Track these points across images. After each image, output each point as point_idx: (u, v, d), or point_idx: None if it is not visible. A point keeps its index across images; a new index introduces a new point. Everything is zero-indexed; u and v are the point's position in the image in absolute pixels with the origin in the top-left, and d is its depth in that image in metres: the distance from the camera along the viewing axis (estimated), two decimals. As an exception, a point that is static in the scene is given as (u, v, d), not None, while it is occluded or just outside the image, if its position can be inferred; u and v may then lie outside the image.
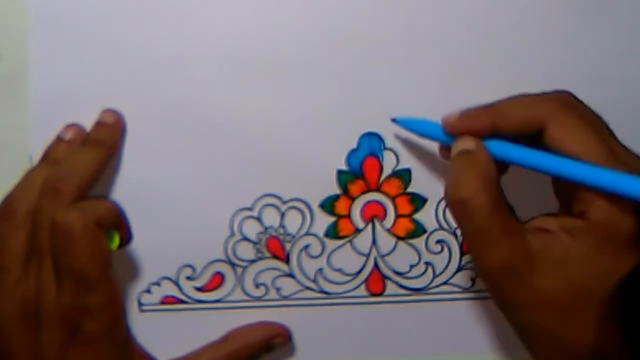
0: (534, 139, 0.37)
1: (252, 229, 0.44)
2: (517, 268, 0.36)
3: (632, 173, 0.34)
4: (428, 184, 0.44)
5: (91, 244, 0.38)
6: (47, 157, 0.42)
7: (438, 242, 0.44)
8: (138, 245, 0.43)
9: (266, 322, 0.44)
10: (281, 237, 0.44)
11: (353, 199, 0.44)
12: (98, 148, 0.41)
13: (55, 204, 0.39)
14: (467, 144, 0.38)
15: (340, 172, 0.43)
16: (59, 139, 0.42)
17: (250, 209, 0.43)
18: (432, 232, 0.44)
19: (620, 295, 0.35)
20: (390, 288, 0.44)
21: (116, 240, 0.41)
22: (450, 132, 0.39)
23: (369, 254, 0.44)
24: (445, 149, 0.40)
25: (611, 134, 0.38)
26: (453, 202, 0.37)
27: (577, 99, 0.38)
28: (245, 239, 0.44)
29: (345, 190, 0.44)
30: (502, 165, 0.39)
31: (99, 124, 0.42)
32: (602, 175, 0.34)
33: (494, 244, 0.36)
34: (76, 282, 0.38)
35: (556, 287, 0.35)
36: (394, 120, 0.42)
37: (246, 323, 0.44)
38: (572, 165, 0.35)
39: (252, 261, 0.44)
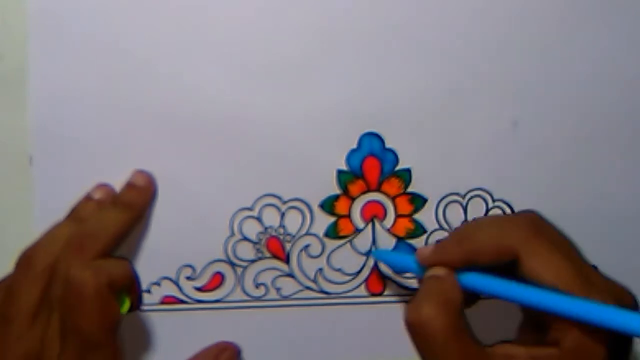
0: (509, 265, 0.37)
1: (252, 229, 0.44)
2: None
3: (605, 300, 0.34)
4: (428, 184, 0.44)
5: (101, 305, 0.37)
6: (74, 214, 0.42)
7: (438, 242, 0.44)
8: (138, 245, 0.43)
9: (210, 345, 0.44)
10: (281, 237, 0.44)
11: (353, 199, 0.44)
12: (126, 210, 0.41)
13: (77, 260, 0.38)
14: (437, 271, 0.38)
15: (340, 172, 0.43)
16: (87, 198, 0.42)
17: (250, 209, 0.43)
18: (432, 232, 0.44)
19: None
20: (390, 288, 0.44)
21: (127, 305, 0.40)
22: (425, 265, 0.38)
23: (369, 254, 0.44)
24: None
25: (580, 255, 0.37)
26: (410, 323, 0.36)
27: (544, 219, 0.38)
28: (245, 239, 0.44)
29: (345, 190, 0.44)
30: (472, 297, 0.39)
31: (130, 186, 0.42)
32: (574, 306, 0.34)
33: None
34: (80, 342, 0.37)
35: None
36: (372, 253, 0.43)
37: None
38: (545, 297, 0.35)
39: (252, 261, 0.44)
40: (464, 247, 0.37)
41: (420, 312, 0.35)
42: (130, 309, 0.41)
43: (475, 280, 0.37)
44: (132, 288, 0.41)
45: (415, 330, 0.35)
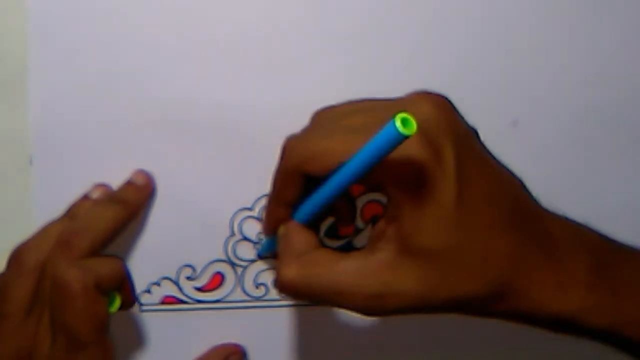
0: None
1: (252, 229, 0.44)
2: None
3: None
4: (428, 184, 0.44)
5: (87, 304, 0.37)
6: (70, 212, 0.42)
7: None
8: (138, 245, 0.43)
9: (218, 346, 0.44)
10: (281, 237, 0.44)
11: (353, 199, 0.44)
12: (120, 207, 0.41)
13: (65, 257, 0.38)
14: (279, 231, 0.39)
15: (340, 172, 0.43)
16: (85, 197, 0.42)
17: (250, 209, 0.43)
18: (432, 232, 0.44)
19: None
20: (390, 288, 0.44)
21: (117, 303, 0.40)
22: (270, 235, 0.40)
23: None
24: None
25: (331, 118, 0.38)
26: (279, 288, 0.36)
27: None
28: (245, 239, 0.44)
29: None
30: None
31: (127, 183, 0.42)
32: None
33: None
34: (68, 339, 0.38)
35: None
36: (258, 254, 0.44)
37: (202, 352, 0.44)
38: (340, 176, 0.35)
39: (252, 261, 0.44)
40: (274, 203, 0.39)
41: (282, 277, 0.36)
42: (123, 307, 0.41)
43: (307, 208, 0.38)
44: (123, 286, 0.41)
45: (286, 292, 0.36)
